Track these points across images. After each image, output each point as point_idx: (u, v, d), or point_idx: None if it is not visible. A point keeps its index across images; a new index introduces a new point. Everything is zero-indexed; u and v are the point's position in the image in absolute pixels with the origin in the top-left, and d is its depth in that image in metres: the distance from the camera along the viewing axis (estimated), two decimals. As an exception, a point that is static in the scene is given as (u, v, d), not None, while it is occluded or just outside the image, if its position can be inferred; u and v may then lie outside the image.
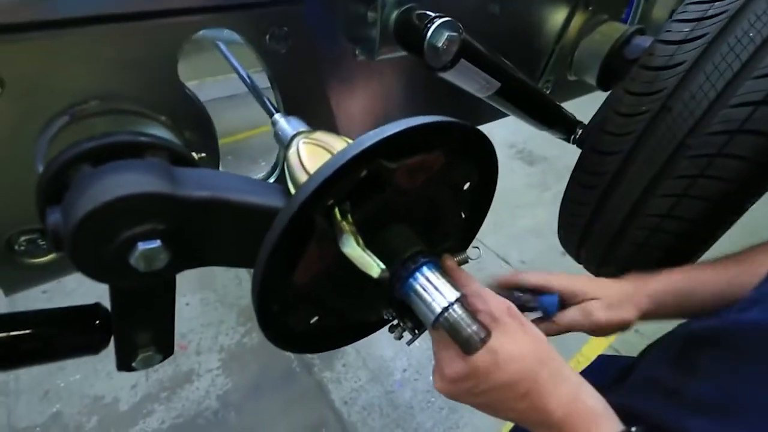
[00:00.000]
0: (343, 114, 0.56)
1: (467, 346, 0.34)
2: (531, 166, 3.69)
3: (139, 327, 0.40)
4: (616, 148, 0.67)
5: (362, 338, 0.52)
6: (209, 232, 0.34)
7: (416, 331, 0.46)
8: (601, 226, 0.73)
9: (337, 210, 0.33)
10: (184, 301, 2.25)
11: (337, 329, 0.48)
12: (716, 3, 0.59)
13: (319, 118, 0.49)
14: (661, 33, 0.64)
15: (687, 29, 0.61)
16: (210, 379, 1.95)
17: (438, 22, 0.40)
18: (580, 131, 0.84)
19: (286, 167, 0.38)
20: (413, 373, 2.03)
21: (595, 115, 0.83)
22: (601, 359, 0.68)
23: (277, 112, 0.45)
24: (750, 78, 0.55)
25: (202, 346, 2.08)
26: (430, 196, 0.40)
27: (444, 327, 0.35)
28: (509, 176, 3.51)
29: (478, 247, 0.51)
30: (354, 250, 0.32)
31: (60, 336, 0.41)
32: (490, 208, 0.49)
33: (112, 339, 0.43)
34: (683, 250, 0.68)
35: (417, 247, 0.38)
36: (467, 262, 0.47)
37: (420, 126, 0.32)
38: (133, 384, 1.90)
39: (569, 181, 0.80)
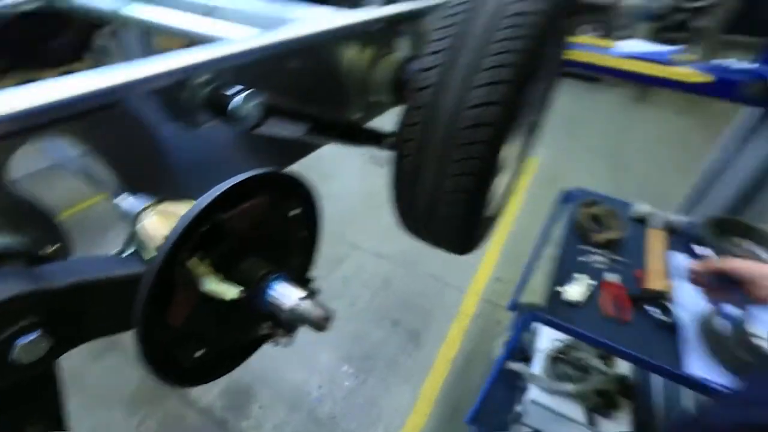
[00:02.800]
0: (182, 178, 0.64)
1: (318, 327, 0.47)
2: (383, 168, 4.08)
3: (29, 414, 0.42)
4: (409, 152, 0.90)
5: (251, 355, 0.60)
6: (84, 312, 0.40)
7: (291, 334, 0.58)
8: (416, 205, 0.95)
9: (192, 260, 0.43)
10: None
11: (226, 355, 0.56)
12: (443, 41, 0.85)
13: (160, 187, 0.57)
14: (418, 62, 0.88)
15: (431, 59, 0.85)
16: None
17: (241, 96, 0.52)
18: (390, 141, 1.06)
19: (138, 241, 0.45)
20: (328, 386, 2.11)
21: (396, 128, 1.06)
22: None
23: (118, 194, 0.51)
24: (473, 89, 0.82)
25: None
26: (267, 228, 0.52)
27: (297, 318, 0.47)
28: (368, 179, 3.83)
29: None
30: (211, 285, 0.42)
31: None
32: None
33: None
34: (477, 209, 0.94)
35: (265, 269, 0.49)
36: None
37: (236, 184, 0.43)
38: None
39: (389, 181, 1.01)
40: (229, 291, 0.42)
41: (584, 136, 5.06)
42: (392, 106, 1.28)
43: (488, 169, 0.87)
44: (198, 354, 0.49)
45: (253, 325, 0.56)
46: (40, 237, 0.46)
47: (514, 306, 2.52)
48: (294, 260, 0.58)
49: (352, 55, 1.01)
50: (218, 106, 0.54)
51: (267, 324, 0.58)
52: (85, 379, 2.07)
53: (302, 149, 0.94)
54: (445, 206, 0.90)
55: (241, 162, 0.76)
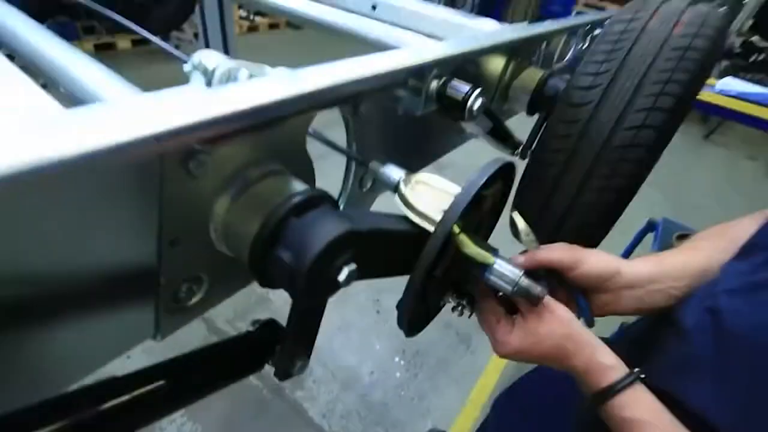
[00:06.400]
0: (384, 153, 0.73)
1: (537, 299, 0.54)
2: (441, 172, 4.14)
3: (303, 340, 0.51)
4: (555, 160, 0.95)
5: (429, 323, 0.68)
6: (372, 253, 0.48)
7: (473, 308, 0.65)
8: (549, 213, 1.01)
9: (455, 225, 0.50)
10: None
11: (420, 316, 0.64)
12: (604, 64, 0.90)
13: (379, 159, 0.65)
14: (574, 80, 0.94)
15: (591, 79, 0.91)
16: (175, 429, 1.84)
17: (476, 92, 0.60)
18: (521, 147, 1.12)
19: (402, 203, 0.53)
20: (380, 374, 2.19)
21: (529, 136, 1.12)
22: None
23: (369, 161, 0.59)
24: (631, 113, 0.87)
25: (159, 396, 1.94)
26: (487, 211, 0.60)
27: (519, 292, 0.54)
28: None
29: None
30: (474, 249, 0.50)
31: (236, 363, 0.50)
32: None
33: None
34: (604, 225, 0.99)
35: (486, 244, 0.57)
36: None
37: (504, 165, 0.51)
38: (85, 456, 1.70)
39: (519, 185, 1.07)
40: (488, 257, 0.50)
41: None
42: (512, 116, 1.35)
43: (631, 188, 0.92)
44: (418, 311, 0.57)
45: (446, 293, 0.64)
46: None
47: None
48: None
49: (499, 65, 1.08)
50: (449, 96, 0.62)
51: (450, 293, 0.65)
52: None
53: (446, 146, 1.03)
54: (579, 217, 0.95)
55: (409, 148, 0.86)
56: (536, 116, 1.14)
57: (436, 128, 0.89)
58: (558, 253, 0.60)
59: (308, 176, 0.57)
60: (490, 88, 1.10)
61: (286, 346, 0.50)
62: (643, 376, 0.53)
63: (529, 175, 1.05)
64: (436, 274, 0.51)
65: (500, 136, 0.99)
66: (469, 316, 0.66)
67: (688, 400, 0.53)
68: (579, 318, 0.61)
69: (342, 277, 0.43)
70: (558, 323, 0.56)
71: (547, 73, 1.12)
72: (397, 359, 2.25)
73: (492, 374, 2.24)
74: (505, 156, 0.55)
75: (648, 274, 0.62)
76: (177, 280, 0.48)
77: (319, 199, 0.47)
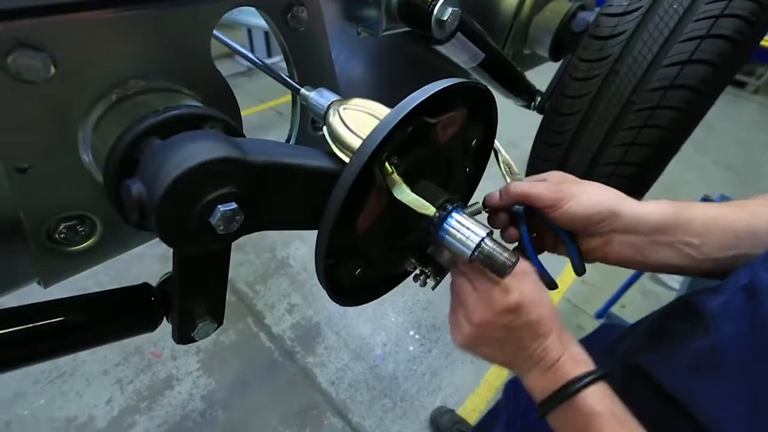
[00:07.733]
0: (345, 84, 0.60)
1: (503, 269, 0.41)
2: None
3: (199, 297, 0.43)
4: (574, 109, 0.78)
5: (388, 291, 0.57)
6: (272, 195, 0.38)
7: (438, 277, 0.53)
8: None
9: (387, 163, 0.38)
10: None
11: (371, 283, 0.53)
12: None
13: (329, 89, 0.53)
14: (604, 7, 0.75)
15: (626, 3, 0.72)
16: (191, 381, 1.90)
17: (440, 1, 0.46)
18: (539, 98, 0.95)
19: (327, 133, 0.42)
20: (393, 346, 2.12)
21: (550, 84, 0.94)
22: (604, 327, 0.77)
23: (302, 86, 0.48)
24: (677, 42, 0.67)
25: (176, 350, 2.01)
26: (448, 153, 0.47)
27: (480, 258, 0.42)
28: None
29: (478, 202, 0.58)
30: (409, 195, 0.38)
31: (119, 317, 0.43)
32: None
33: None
34: (633, 193, 0.81)
35: (446, 196, 0.44)
36: (480, 212, 0.54)
37: (456, 85, 0.37)
38: (108, 399, 1.81)
39: (535, 141, 0.90)
40: (426, 206, 0.37)
41: (714, 148, 4.36)
42: (538, 63, 1.15)
43: (670, 144, 0.73)
44: (357, 272, 0.46)
45: (404, 257, 0.52)
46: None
47: (602, 314, 2.31)
48: (454, 197, 0.52)
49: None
50: (414, 7, 0.48)
51: (414, 258, 0.53)
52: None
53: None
54: (602, 181, 0.78)
55: (394, 83, 0.71)
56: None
57: (414, 62, 0.74)
58: (538, 188, 0.47)
59: (225, 105, 0.47)
60: (505, 25, 0.92)
61: (174, 302, 0.42)
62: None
63: (543, 129, 0.88)
64: (358, 226, 0.39)
65: (511, 82, 0.82)
66: (433, 288, 0.54)
67: (698, 406, 0.38)
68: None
69: (215, 218, 0.33)
70: (546, 292, 0.45)
71: (578, 4, 0.92)
72: (411, 333, 2.17)
73: (512, 356, 2.11)
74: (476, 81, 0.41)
75: (654, 220, 0.46)
76: (47, 216, 0.40)
77: (204, 120, 0.37)
